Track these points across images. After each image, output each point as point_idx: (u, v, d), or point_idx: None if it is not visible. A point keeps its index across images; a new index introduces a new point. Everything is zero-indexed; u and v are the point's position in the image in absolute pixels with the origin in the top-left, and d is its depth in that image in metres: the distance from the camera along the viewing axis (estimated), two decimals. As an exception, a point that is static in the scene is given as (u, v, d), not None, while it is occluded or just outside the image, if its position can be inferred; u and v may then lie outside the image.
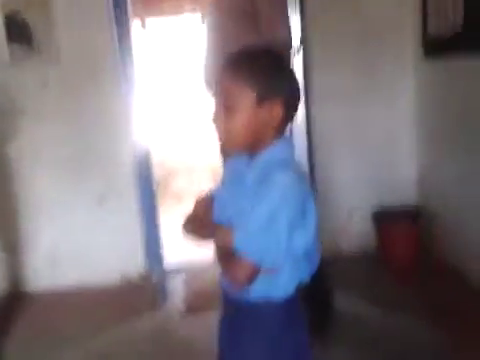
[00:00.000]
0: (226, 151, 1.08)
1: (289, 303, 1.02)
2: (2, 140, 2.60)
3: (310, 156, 2.45)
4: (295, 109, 1.02)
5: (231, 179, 1.07)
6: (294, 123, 2.62)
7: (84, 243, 2.75)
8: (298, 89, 1.02)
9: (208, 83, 2.37)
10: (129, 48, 2.43)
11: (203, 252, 2.69)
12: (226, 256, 0.97)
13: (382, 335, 2.04)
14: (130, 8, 2.55)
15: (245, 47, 1.01)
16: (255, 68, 0.94)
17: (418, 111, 2.79)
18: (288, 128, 1.05)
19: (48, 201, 2.70)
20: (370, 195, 2.82)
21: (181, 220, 1.12)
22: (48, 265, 2.75)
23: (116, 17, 2.47)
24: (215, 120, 0.98)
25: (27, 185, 2.66)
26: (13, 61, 2.55)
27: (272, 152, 0.98)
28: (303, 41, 2.35)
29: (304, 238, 0.97)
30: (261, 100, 0.93)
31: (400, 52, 2.75)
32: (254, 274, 0.94)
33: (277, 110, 0.95)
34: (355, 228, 2.88)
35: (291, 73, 1.02)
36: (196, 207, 1.11)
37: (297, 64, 2.48)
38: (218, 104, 0.98)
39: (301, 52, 2.40)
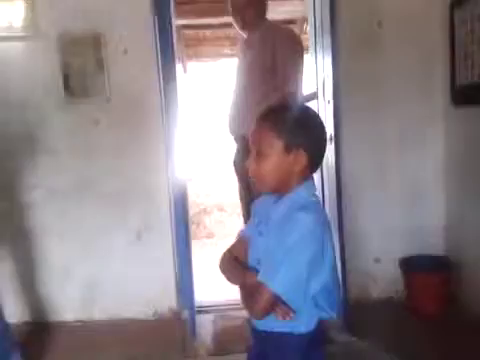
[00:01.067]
0: (256, 191, 1.22)
1: (310, 336, 1.10)
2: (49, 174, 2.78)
3: (339, 201, 2.50)
4: (320, 157, 1.13)
5: (260, 219, 1.17)
6: (324, 168, 2.71)
7: (120, 276, 2.84)
8: (322, 140, 1.13)
9: (230, 127, 2.61)
10: (173, 91, 2.58)
11: (232, 293, 2.80)
12: (248, 292, 1.08)
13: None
14: (175, 54, 2.73)
15: (276, 103, 1.15)
16: (283, 121, 1.07)
17: (447, 159, 2.82)
18: (313, 173, 1.16)
19: (89, 234, 2.82)
20: (398, 242, 2.84)
21: (217, 259, 1.22)
22: (83, 296, 2.85)
23: (162, 62, 2.64)
24: (249, 164, 1.10)
25: (71, 217, 2.81)
26: (69, 102, 2.74)
27: (296, 194, 1.09)
28: (335, 86, 2.46)
29: (323, 276, 1.05)
30: (287, 148, 1.06)
31: (429, 100, 2.81)
32: (272, 305, 1.03)
33: (301, 158, 1.07)
34: (383, 275, 2.88)
35: (316, 126, 1.12)
36: (235, 247, 1.21)
37: (327, 111, 2.59)
38: (252, 150, 1.11)
39: (331, 99, 2.50)
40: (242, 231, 1.26)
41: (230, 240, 1.28)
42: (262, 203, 1.21)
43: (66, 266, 2.83)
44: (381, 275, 2.89)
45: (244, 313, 2.72)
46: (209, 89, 5.12)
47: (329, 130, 2.53)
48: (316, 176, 2.83)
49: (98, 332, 2.71)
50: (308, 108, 1.20)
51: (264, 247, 1.10)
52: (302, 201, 1.08)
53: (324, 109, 2.65)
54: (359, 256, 2.83)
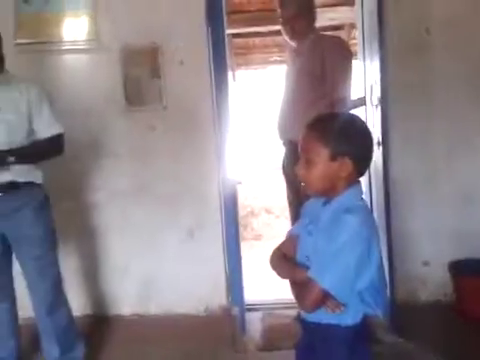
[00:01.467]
0: (304, 195, 1.31)
1: (356, 330, 1.18)
2: (110, 176, 2.99)
3: (387, 205, 2.53)
4: (365, 163, 1.21)
5: (309, 220, 1.26)
6: (372, 172, 2.76)
7: (173, 274, 3.00)
8: (367, 147, 1.20)
9: (279, 132, 2.69)
10: (224, 98, 2.71)
11: (281, 292, 2.88)
12: (299, 287, 1.17)
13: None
14: (227, 63, 2.87)
15: (324, 112, 1.24)
16: (329, 130, 1.15)
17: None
18: (360, 177, 1.23)
19: (146, 233, 3.00)
20: (448, 246, 2.84)
21: (265, 259, 1.33)
22: (140, 292, 3.03)
23: (214, 71, 2.78)
24: (298, 170, 1.20)
25: (130, 217, 3.00)
26: (128, 110, 2.94)
27: (344, 198, 1.17)
28: (383, 91, 2.50)
29: (369, 274, 1.13)
30: (333, 156, 1.14)
31: (477, 108, 2.80)
32: (321, 300, 1.12)
33: (347, 165, 1.14)
34: (432, 278, 2.89)
35: (361, 134, 1.20)
36: (284, 244, 1.31)
37: (375, 116, 2.64)
38: (301, 157, 1.20)
39: (379, 104, 2.54)
40: (291, 230, 1.36)
41: (278, 242, 1.36)
42: (311, 205, 1.29)
43: (125, 263, 3.02)
44: (430, 278, 2.89)
45: (292, 312, 2.81)
46: (258, 96, 5.23)
47: (376, 135, 2.59)
48: (364, 180, 2.88)
49: (153, 326, 2.87)
50: (354, 116, 1.28)
51: (313, 245, 1.18)
52: (349, 204, 1.15)
53: (372, 115, 2.70)
54: (408, 259, 2.85)
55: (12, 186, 2.06)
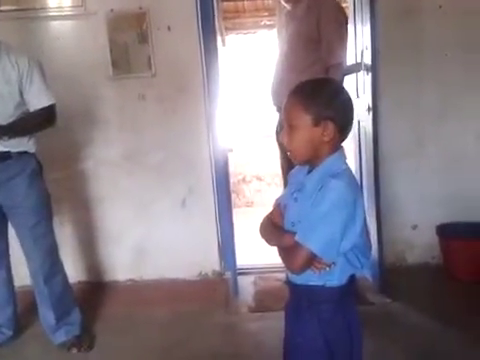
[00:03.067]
0: (291, 162, 1.31)
1: (342, 290, 1.23)
2: (100, 145, 2.98)
3: (376, 170, 2.56)
4: (348, 127, 1.22)
5: (295, 188, 1.27)
6: (362, 137, 2.78)
7: (167, 241, 3.04)
8: (349, 110, 1.20)
9: (273, 98, 2.67)
10: (214, 63, 2.67)
11: (271, 257, 2.94)
12: (286, 251, 1.20)
13: (436, 347, 2.10)
14: (216, 28, 2.82)
15: (306, 80, 1.23)
16: (310, 95, 1.16)
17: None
18: (342, 142, 1.24)
19: (138, 201, 3.02)
20: (436, 210, 2.90)
21: (257, 225, 1.35)
22: (134, 258, 3.07)
23: (203, 36, 2.73)
24: (282, 137, 1.21)
25: (121, 186, 3.01)
26: (116, 78, 2.90)
27: (328, 164, 1.19)
28: (373, 56, 2.49)
29: (353, 236, 1.16)
30: (316, 121, 1.15)
31: (469, 69, 2.80)
32: (308, 262, 1.16)
33: (329, 129, 1.15)
34: (420, 242, 2.96)
35: (342, 97, 1.20)
36: (272, 214, 1.34)
37: (366, 81, 2.63)
38: (284, 124, 1.21)
39: (370, 67, 2.53)
40: (278, 199, 1.37)
41: (269, 208, 1.38)
42: (297, 173, 1.31)
43: (118, 231, 3.05)
44: (418, 242, 2.97)
45: (282, 275, 2.88)
46: (248, 61, 5.15)
47: (367, 100, 2.59)
48: (354, 145, 2.90)
49: (148, 291, 2.93)
50: (332, 80, 1.30)
51: (299, 212, 1.21)
52: (334, 169, 1.17)
53: (363, 80, 2.69)
54: (396, 223, 2.91)
55: (5, 156, 2.06)
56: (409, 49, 2.80)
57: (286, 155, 2.63)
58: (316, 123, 1.15)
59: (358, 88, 2.81)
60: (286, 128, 1.20)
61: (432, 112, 2.87)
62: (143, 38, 2.86)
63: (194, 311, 2.61)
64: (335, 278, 1.21)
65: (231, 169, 2.87)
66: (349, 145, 3.05)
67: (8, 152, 2.06)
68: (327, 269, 1.18)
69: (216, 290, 2.86)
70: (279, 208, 1.33)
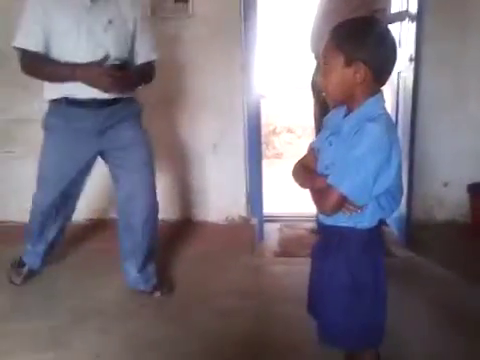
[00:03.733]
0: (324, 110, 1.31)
1: (371, 232, 1.24)
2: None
3: (413, 123, 2.50)
4: (383, 71, 1.18)
5: (330, 132, 1.26)
6: (401, 87, 2.70)
7: (195, 184, 3.10)
8: (385, 54, 1.16)
9: (312, 44, 2.60)
10: (253, 7, 2.61)
11: (298, 206, 2.97)
12: (319, 193, 1.21)
13: (458, 301, 2.11)
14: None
15: (349, 19, 1.19)
16: (346, 34, 1.14)
17: None
18: (381, 86, 1.20)
19: (169, 144, 3.03)
20: (468, 167, 2.86)
21: (285, 176, 1.36)
22: (162, 200, 3.11)
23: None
24: (319, 77, 1.20)
25: (155, 129, 3.00)
26: (155, 16, 2.84)
27: (365, 108, 1.17)
28: (420, 4, 2.39)
29: (387, 180, 1.16)
30: (348, 61, 1.13)
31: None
32: (340, 204, 1.17)
33: (361, 70, 1.13)
34: (450, 199, 2.93)
35: (379, 39, 1.15)
36: (306, 157, 1.35)
37: (410, 30, 2.53)
38: (322, 64, 1.19)
39: (415, 19, 2.43)
40: (312, 143, 1.37)
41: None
42: (333, 117, 1.29)
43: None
44: (447, 199, 2.94)
45: (308, 224, 2.93)
46: (288, 8, 4.98)
47: (409, 50, 2.50)
48: (391, 96, 2.83)
49: (174, 230, 3.01)
50: (374, 21, 1.23)
51: (333, 154, 1.20)
52: (371, 113, 1.15)
53: (407, 29, 2.59)
54: (427, 179, 2.88)
55: (115, 101, 2.02)
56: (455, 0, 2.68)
57: (320, 103, 2.64)
58: (348, 63, 1.13)
59: (401, 37, 2.71)
60: (322, 68, 1.19)
61: (476, 66, 2.76)
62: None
63: (220, 252, 2.69)
64: (366, 220, 1.22)
65: (262, 120, 2.85)
66: (386, 96, 2.99)
67: (116, 98, 2.01)
68: (358, 212, 1.19)
69: (242, 235, 2.92)
70: (313, 152, 1.33)
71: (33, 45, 1.89)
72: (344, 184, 1.14)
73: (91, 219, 3.15)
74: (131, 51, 2.04)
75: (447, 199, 2.94)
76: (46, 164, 2.11)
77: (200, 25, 2.86)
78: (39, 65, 1.94)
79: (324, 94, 1.23)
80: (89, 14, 1.90)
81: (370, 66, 1.13)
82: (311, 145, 1.37)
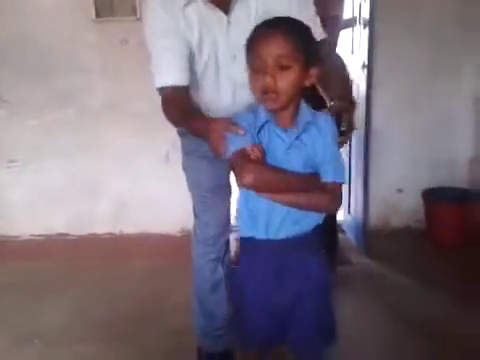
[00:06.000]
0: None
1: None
2: (81, 92, 2.83)
3: (367, 131, 2.50)
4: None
5: (290, 135, 1.15)
6: (354, 95, 2.69)
7: (148, 195, 2.96)
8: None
9: None
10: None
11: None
12: (320, 193, 1.15)
13: (415, 307, 2.11)
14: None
15: (286, 17, 1.12)
16: (304, 37, 1.10)
17: (478, 92, 2.78)
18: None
19: (119, 152, 2.90)
20: (423, 174, 2.87)
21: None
22: (114, 212, 2.99)
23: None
24: (267, 80, 1.08)
25: (103, 136, 2.89)
26: (98, 21, 2.73)
27: (306, 108, 1.17)
28: (371, 10, 2.39)
29: None
30: (307, 65, 1.11)
31: (466, 30, 2.72)
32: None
33: (315, 73, 1.12)
34: (405, 205, 2.94)
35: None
36: (254, 151, 1.13)
37: (362, 37, 2.53)
38: (262, 65, 1.08)
39: (366, 25, 2.43)
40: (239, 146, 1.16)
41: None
42: (246, 117, 1.17)
43: (99, 183, 2.95)
44: (403, 205, 2.95)
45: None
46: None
47: (362, 57, 2.49)
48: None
49: (127, 245, 2.87)
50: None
51: (306, 154, 1.15)
52: (310, 111, 1.17)
53: (359, 35, 2.59)
54: (382, 185, 2.88)
55: None
56: (405, 5, 2.70)
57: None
58: (306, 67, 1.11)
59: (353, 44, 2.71)
60: (268, 70, 1.08)
61: (428, 72, 2.80)
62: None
63: (174, 265, 2.57)
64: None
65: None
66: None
67: None
68: None
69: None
70: (259, 147, 1.14)
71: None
72: (343, 175, 1.17)
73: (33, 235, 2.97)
74: None
75: (402, 205, 2.95)
76: None
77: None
78: None
79: (265, 96, 1.10)
80: None
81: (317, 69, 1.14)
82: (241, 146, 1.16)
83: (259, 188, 1.14)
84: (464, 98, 2.82)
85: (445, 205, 2.71)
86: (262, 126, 1.16)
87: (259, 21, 1.14)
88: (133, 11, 2.71)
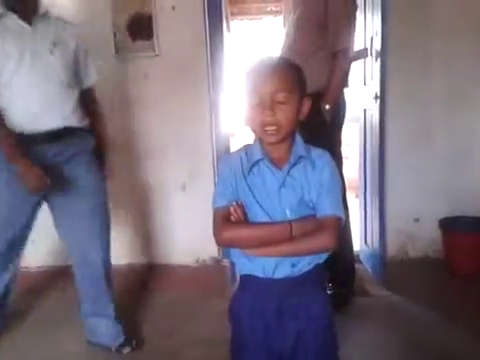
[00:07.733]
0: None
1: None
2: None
3: (381, 160, 2.51)
4: None
5: (280, 176, 1.14)
6: (368, 126, 2.73)
7: (165, 226, 3.00)
8: None
9: None
10: (219, 47, 2.61)
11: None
12: (314, 234, 1.11)
13: (435, 340, 2.06)
14: (222, 10, 2.75)
15: (279, 57, 1.21)
16: (298, 71, 1.16)
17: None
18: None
19: (136, 183, 2.97)
20: (440, 203, 2.86)
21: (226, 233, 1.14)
22: (131, 243, 3.03)
23: (209, 18, 2.67)
24: (263, 115, 1.11)
25: (119, 167, 2.91)
26: (119, 57, 2.85)
27: (300, 143, 1.18)
28: (383, 42, 2.44)
29: None
30: (301, 98, 1.15)
31: (478, 56, 2.75)
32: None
33: (308, 105, 1.17)
34: (422, 235, 2.92)
35: None
36: (236, 211, 1.16)
37: (374, 69, 2.57)
38: (262, 101, 1.11)
39: (379, 54, 2.47)
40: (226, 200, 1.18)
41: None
42: (231, 168, 1.19)
43: (117, 214, 2.99)
44: (420, 235, 2.92)
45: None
46: (253, 48, 5.07)
47: (375, 88, 2.53)
48: (359, 134, 2.85)
49: (143, 275, 2.90)
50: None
51: (300, 191, 1.14)
52: (304, 145, 1.18)
53: (371, 67, 2.63)
54: (399, 215, 2.86)
55: (67, 132, 1.87)
56: (418, 37, 2.75)
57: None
58: (301, 99, 1.15)
59: (366, 75, 2.75)
60: (268, 105, 1.11)
61: (439, 103, 2.82)
62: (147, 18, 2.80)
63: (191, 296, 2.59)
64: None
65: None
66: (354, 133, 3.00)
67: (70, 128, 1.87)
68: None
69: (213, 277, 2.82)
70: (241, 207, 1.16)
71: None
72: (340, 209, 1.15)
73: (49, 266, 3.00)
74: (73, 77, 1.92)
75: (419, 235, 2.92)
76: None
77: (166, 63, 2.85)
78: None
79: (267, 129, 1.13)
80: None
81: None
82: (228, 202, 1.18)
83: (238, 246, 1.17)
84: (479, 129, 2.82)
85: (463, 234, 2.68)
86: (255, 163, 1.16)
87: None
88: (152, 47, 2.83)
